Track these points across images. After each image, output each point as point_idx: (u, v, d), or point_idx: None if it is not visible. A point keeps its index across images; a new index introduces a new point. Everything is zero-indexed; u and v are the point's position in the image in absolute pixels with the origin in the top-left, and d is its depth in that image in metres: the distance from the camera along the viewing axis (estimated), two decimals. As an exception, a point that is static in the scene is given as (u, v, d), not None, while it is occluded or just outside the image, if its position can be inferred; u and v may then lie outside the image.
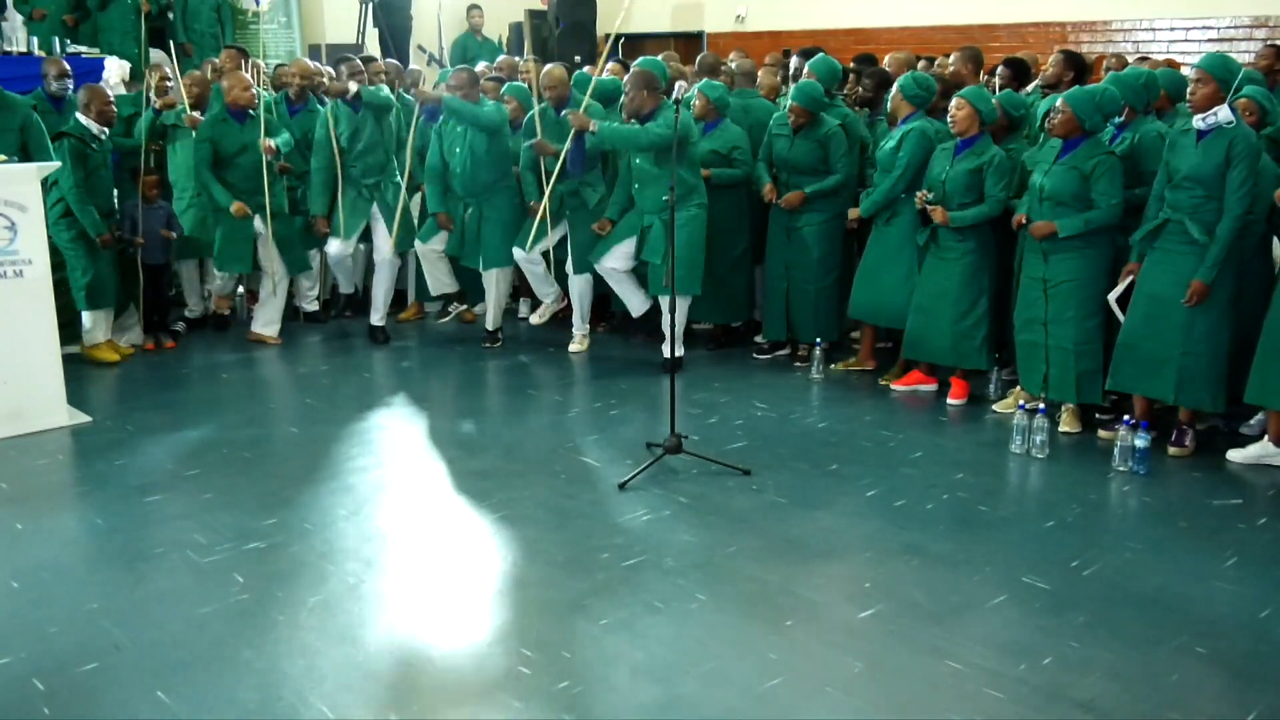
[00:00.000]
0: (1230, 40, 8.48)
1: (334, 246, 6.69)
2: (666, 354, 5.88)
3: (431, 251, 6.63)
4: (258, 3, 10.12)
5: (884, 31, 10.49)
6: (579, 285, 6.37)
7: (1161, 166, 4.63)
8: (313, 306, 7.18)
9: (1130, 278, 4.70)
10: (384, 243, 6.67)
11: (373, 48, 9.91)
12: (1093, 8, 9.48)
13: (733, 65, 6.98)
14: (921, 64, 6.76)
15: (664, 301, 5.86)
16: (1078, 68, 5.62)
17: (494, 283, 6.48)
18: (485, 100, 6.31)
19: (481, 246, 6.37)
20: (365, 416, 5.37)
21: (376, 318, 6.78)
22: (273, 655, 3.18)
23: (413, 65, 9.10)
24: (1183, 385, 4.57)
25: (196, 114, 6.48)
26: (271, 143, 6.40)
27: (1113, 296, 4.73)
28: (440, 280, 6.77)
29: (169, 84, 6.74)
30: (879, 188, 5.53)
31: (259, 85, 6.67)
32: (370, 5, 10.19)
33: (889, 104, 5.72)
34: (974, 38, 9.18)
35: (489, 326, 6.63)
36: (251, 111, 6.38)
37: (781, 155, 5.89)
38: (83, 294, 5.91)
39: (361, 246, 6.99)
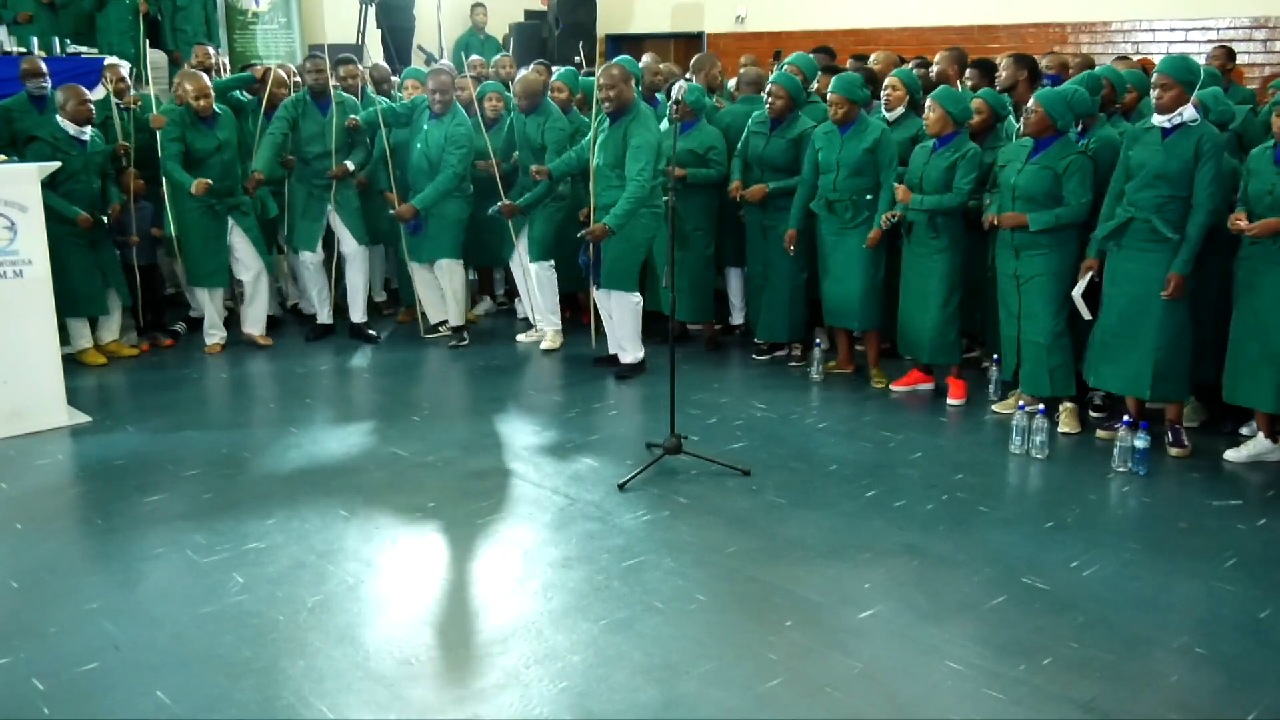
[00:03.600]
0: (1230, 41, 8.47)
1: (305, 257, 6.63)
2: (609, 351, 6.10)
3: (422, 269, 6.60)
4: (257, 3, 10.12)
5: (884, 32, 10.48)
6: (535, 274, 6.39)
7: (1120, 164, 4.70)
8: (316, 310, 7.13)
9: (1089, 274, 4.78)
10: (348, 239, 6.64)
11: (374, 48, 9.91)
12: (1092, 9, 9.49)
13: (740, 72, 6.95)
14: (916, 66, 6.77)
15: (605, 297, 5.96)
16: (1031, 69, 5.72)
17: (446, 276, 6.47)
18: (459, 110, 6.30)
19: (428, 239, 6.40)
20: (364, 417, 5.37)
21: (357, 315, 6.75)
22: (273, 655, 3.18)
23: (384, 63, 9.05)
24: (1156, 381, 4.65)
25: (160, 116, 6.27)
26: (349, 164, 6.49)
27: (1076, 293, 4.80)
28: (433, 302, 6.70)
29: (125, 84, 6.66)
30: (881, 199, 5.50)
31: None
32: (372, 6, 10.18)
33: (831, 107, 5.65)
34: (974, 39, 9.20)
35: (451, 323, 6.60)
36: (218, 110, 6.29)
37: (756, 152, 5.94)
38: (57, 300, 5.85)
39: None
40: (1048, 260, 4.88)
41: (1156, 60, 5.08)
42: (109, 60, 7.25)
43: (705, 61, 7.02)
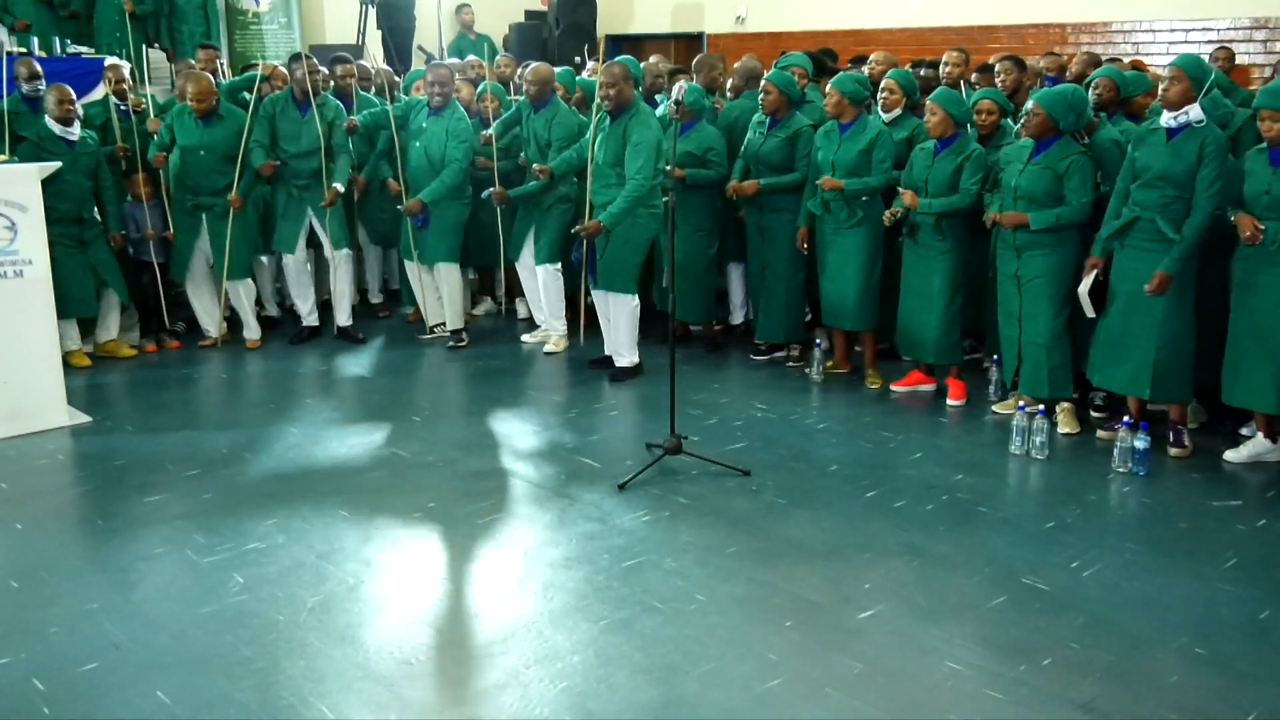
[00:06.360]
0: (1230, 42, 8.47)
1: (287, 260, 6.60)
2: (607, 352, 6.08)
3: (420, 271, 6.59)
4: (258, 3, 10.12)
5: (884, 33, 10.48)
6: (542, 277, 6.37)
7: (1126, 164, 4.70)
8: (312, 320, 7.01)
9: (1094, 272, 4.78)
10: (328, 244, 6.62)
11: (374, 49, 9.90)
12: (1093, 9, 9.48)
13: (735, 66, 6.94)
14: (925, 68, 6.75)
15: (603, 298, 5.96)
16: (1021, 68, 5.72)
17: (444, 279, 6.48)
18: (457, 105, 6.32)
19: (428, 242, 6.40)
20: (364, 417, 5.37)
21: (342, 318, 6.73)
22: (272, 655, 3.18)
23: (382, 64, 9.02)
24: (1157, 381, 4.65)
25: (156, 119, 6.33)
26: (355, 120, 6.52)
27: (1082, 290, 4.80)
28: (431, 304, 6.72)
29: (126, 85, 6.62)
30: (868, 184, 5.48)
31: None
32: (373, 6, 10.18)
33: (830, 104, 5.67)
34: (973, 39, 9.19)
35: (450, 326, 6.59)
36: (221, 114, 6.30)
37: (754, 150, 5.93)
38: None
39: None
40: (1049, 261, 4.88)
41: (1150, 62, 5.09)
42: (109, 60, 7.23)
43: (706, 62, 7.01)
